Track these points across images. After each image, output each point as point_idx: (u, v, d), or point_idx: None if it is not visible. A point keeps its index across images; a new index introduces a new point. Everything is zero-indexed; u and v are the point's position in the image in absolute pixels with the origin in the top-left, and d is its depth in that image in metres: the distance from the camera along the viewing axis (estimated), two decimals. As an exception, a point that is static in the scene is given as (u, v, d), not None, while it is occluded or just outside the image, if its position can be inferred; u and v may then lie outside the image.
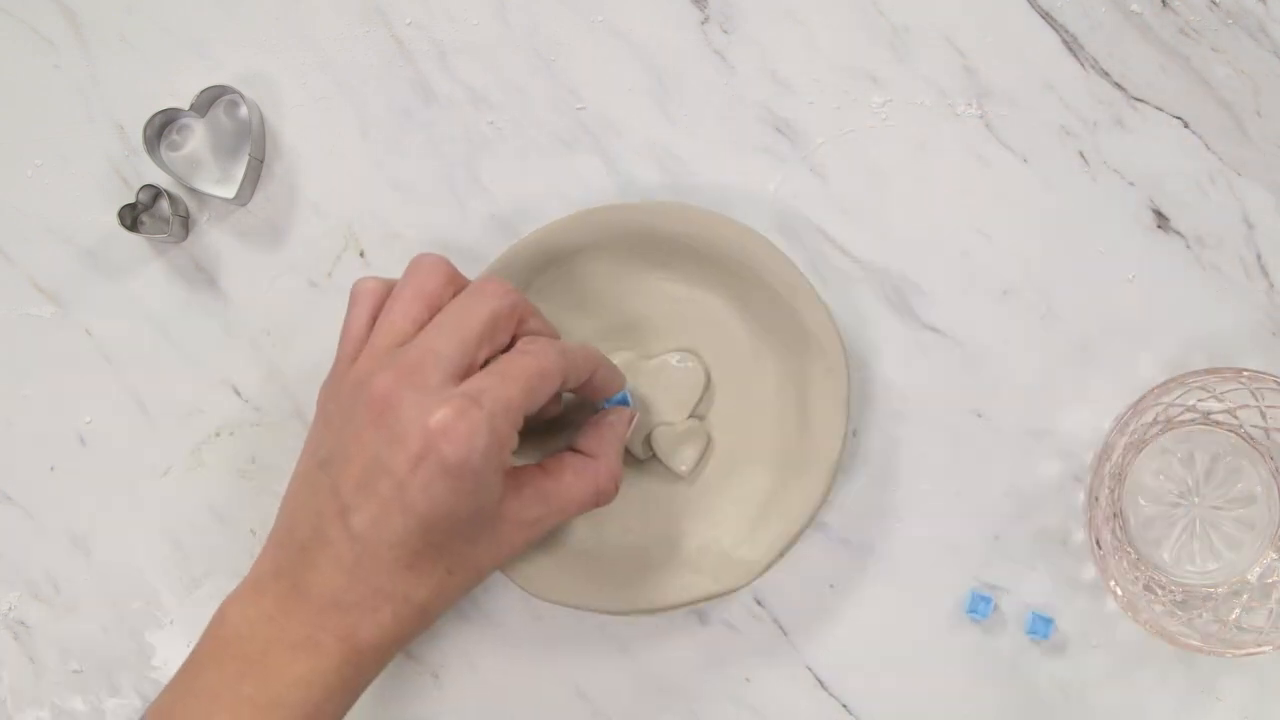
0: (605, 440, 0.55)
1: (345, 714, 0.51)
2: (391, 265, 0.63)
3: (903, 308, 0.61)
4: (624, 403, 0.58)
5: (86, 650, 0.63)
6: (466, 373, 0.50)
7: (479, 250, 0.62)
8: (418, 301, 0.52)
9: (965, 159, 0.62)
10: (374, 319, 0.53)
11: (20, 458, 0.63)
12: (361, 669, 0.51)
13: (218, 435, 0.63)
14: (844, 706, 0.61)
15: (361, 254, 0.63)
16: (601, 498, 0.54)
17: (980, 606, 0.59)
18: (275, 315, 0.63)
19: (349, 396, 0.51)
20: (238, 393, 0.63)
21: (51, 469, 0.63)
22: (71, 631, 0.63)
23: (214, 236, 0.64)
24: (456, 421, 0.47)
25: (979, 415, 0.61)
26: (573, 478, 0.54)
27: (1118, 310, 0.60)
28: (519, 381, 0.50)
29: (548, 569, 0.58)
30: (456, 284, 0.53)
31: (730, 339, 0.61)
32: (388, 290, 0.53)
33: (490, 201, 0.63)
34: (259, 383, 0.63)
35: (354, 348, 0.53)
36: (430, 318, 0.51)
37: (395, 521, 0.48)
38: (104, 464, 0.63)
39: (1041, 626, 0.59)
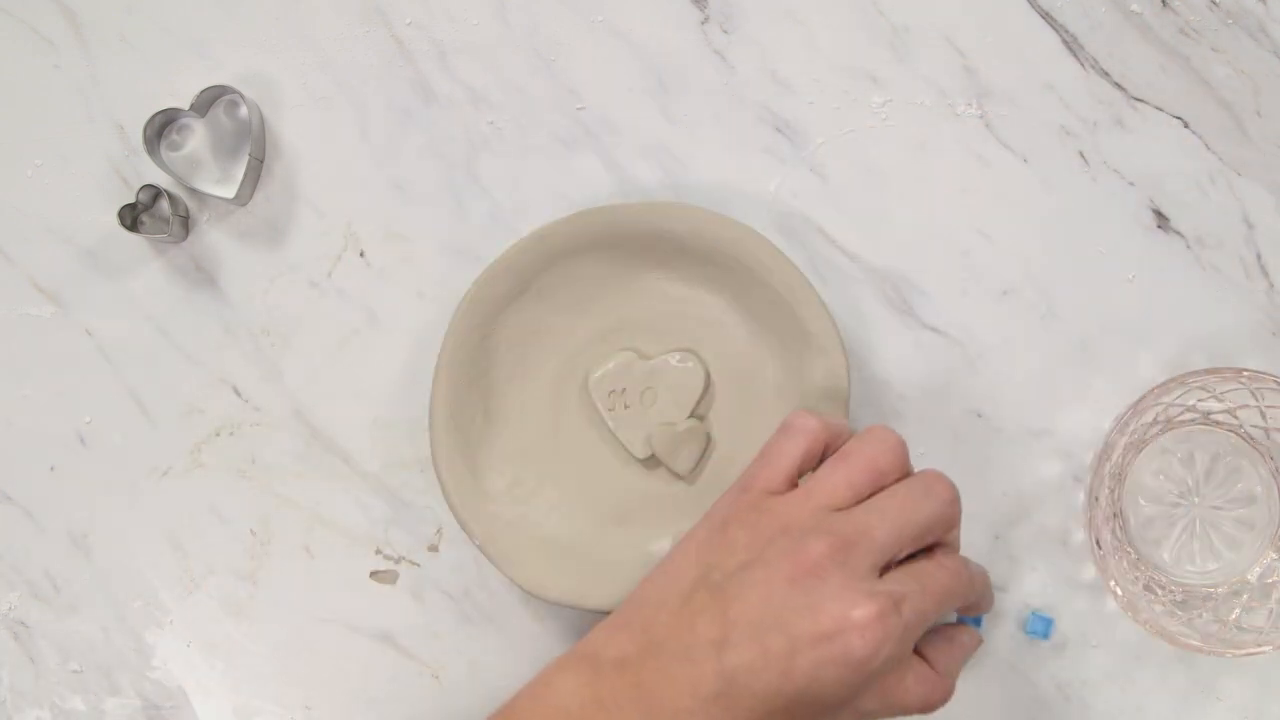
0: (954, 659, 0.53)
1: None
2: (392, 265, 0.63)
3: (903, 308, 0.61)
4: (977, 623, 0.58)
5: (86, 650, 0.63)
6: (888, 566, 0.49)
7: (479, 250, 0.62)
8: (866, 474, 0.50)
9: (965, 159, 0.62)
10: (806, 458, 0.52)
11: (20, 457, 0.63)
12: None
13: (217, 435, 0.63)
14: (844, 706, 0.61)
15: (361, 254, 0.63)
16: (929, 711, 0.52)
17: (1039, 627, 0.59)
18: (275, 315, 0.63)
19: (769, 535, 0.49)
20: (237, 393, 0.63)
21: (51, 469, 0.63)
22: (71, 631, 0.63)
23: (214, 236, 0.64)
24: (876, 622, 0.46)
25: (979, 415, 0.61)
26: (914, 685, 0.50)
27: (1118, 310, 0.60)
28: (935, 599, 0.49)
29: (548, 569, 0.59)
30: (905, 467, 0.51)
31: (730, 339, 0.61)
32: (827, 433, 0.52)
33: (490, 201, 0.63)
34: (259, 383, 0.63)
35: (776, 479, 0.51)
36: (871, 494, 0.50)
37: (770, 680, 0.47)
38: (104, 464, 0.63)
39: (1041, 626, 0.59)
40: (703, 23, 0.63)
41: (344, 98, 0.64)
